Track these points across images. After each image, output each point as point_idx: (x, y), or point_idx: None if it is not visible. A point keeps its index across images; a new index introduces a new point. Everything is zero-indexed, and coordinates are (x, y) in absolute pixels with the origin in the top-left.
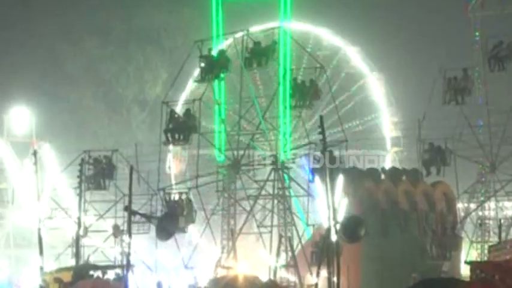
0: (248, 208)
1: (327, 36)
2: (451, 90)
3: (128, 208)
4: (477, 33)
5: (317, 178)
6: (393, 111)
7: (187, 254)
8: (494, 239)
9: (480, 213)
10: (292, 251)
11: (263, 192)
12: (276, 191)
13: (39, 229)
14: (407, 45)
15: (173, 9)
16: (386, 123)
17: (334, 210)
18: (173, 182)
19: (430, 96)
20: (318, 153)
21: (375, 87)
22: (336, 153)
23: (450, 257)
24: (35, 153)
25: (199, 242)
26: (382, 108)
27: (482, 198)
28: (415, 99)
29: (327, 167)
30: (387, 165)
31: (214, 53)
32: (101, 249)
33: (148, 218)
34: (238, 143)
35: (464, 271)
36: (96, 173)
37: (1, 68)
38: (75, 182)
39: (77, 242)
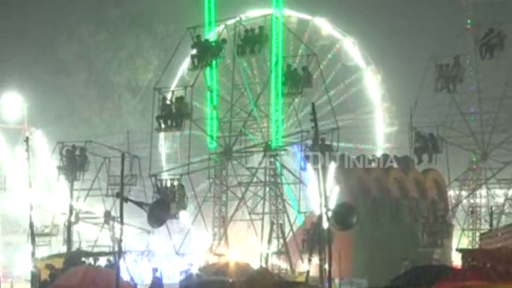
0: (240, 195)
1: (325, 26)
2: (443, 78)
3: (119, 194)
4: (469, 21)
5: (309, 166)
6: (388, 107)
7: (178, 240)
8: (485, 227)
9: (471, 200)
10: (284, 238)
11: (255, 179)
12: (267, 178)
13: (30, 216)
14: (398, 33)
15: None
16: (379, 119)
17: (326, 198)
18: (164, 168)
19: (422, 83)
20: (309, 143)
21: (371, 82)
22: (327, 138)
23: (441, 245)
24: (26, 139)
25: (190, 228)
26: (376, 103)
27: (473, 186)
28: (407, 87)
29: (319, 154)
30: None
31: (210, 37)
32: (93, 236)
33: (140, 204)
34: (230, 130)
35: (456, 259)
36: (68, 164)
37: None
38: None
39: (68, 229)
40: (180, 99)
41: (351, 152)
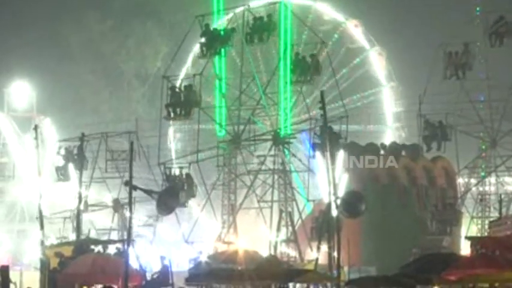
0: (248, 183)
1: (327, 10)
2: (452, 65)
3: (128, 183)
4: (478, 8)
5: (318, 153)
6: (394, 86)
7: (187, 228)
8: (494, 215)
9: (481, 188)
10: (293, 226)
11: (263, 167)
12: (276, 166)
13: (39, 204)
14: (408, 20)
15: None
16: (387, 98)
17: (335, 186)
18: (173, 156)
19: (431, 71)
20: (318, 130)
21: (376, 62)
22: (337, 127)
23: (450, 232)
24: (35, 127)
25: (199, 216)
26: (383, 83)
27: (482, 174)
28: (416, 75)
29: (328, 142)
30: (388, 141)
31: (218, 26)
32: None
33: (148, 192)
34: (239, 118)
35: (465, 246)
36: (65, 164)
37: (2, 43)
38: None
39: (77, 217)
40: (188, 87)
41: (361, 134)
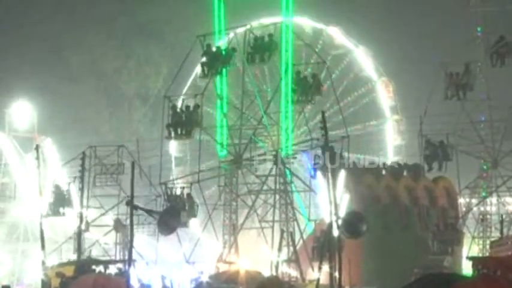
0: (250, 203)
1: (338, 35)
2: (453, 86)
3: (130, 203)
4: (479, 29)
5: (319, 173)
6: (398, 120)
7: (189, 248)
8: (495, 235)
9: (482, 208)
10: (294, 246)
11: (265, 187)
12: (277, 186)
13: (40, 223)
14: (408, 41)
15: (175, 3)
16: (389, 131)
17: (336, 206)
18: (174, 176)
19: (431, 91)
20: (319, 152)
21: (382, 93)
22: (338, 147)
23: (452, 252)
24: (37, 147)
25: (200, 236)
26: (387, 115)
27: (484, 194)
28: (417, 95)
29: (328, 164)
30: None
31: (220, 46)
32: (103, 244)
33: (150, 212)
34: (240, 138)
35: (466, 266)
36: (56, 201)
37: (3, 63)
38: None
39: (78, 237)
40: (189, 107)
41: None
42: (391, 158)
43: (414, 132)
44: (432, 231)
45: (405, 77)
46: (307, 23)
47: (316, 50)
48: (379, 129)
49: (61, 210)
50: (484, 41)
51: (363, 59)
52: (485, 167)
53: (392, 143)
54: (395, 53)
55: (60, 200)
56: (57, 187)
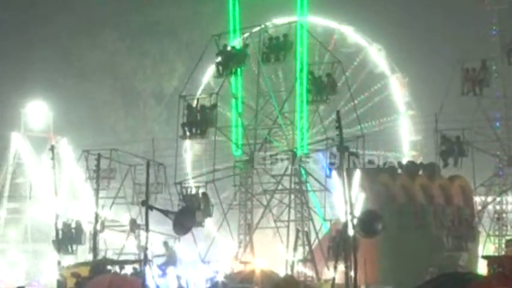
0: (265, 203)
1: (351, 33)
2: (469, 81)
3: (145, 203)
4: (494, 27)
5: (334, 173)
6: (412, 115)
7: (204, 248)
8: (511, 233)
9: (497, 207)
10: (310, 245)
11: (280, 187)
12: (292, 186)
13: (56, 223)
14: (424, 38)
15: (190, 2)
16: (404, 126)
17: (351, 205)
18: (190, 176)
19: (447, 87)
20: (334, 151)
21: (396, 88)
22: (353, 146)
23: (467, 249)
24: (52, 148)
25: (216, 236)
26: (401, 111)
27: (499, 191)
28: (433, 92)
29: (344, 163)
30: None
31: (235, 45)
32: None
33: (165, 212)
34: (255, 138)
35: (482, 265)
36: (64, 238)
37: (19, 63)
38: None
39: (94, 237)
40: (205, 107)
41: (377, 160)
42: (406, 153)
43: (429, 130)
44: (447, 227)
45: (420, 74)
46: (320, 22)
47: (329, 49)
48: (394, 125)
49: (69, 248)
50: (499, 38)
51: (376, 56)
52: (500, 165)
53: (408, 138)
54: (409, 51)
55: (69, 238)
56: (65, 224)
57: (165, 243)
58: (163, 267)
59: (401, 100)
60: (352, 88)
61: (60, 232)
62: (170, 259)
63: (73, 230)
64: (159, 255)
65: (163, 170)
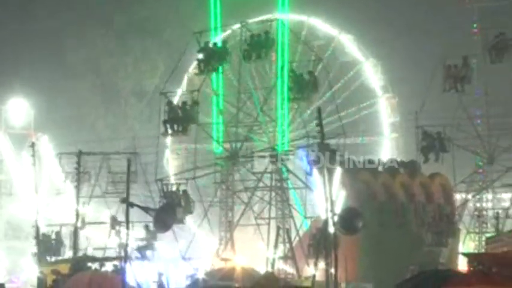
0: (246, 200)
1: (321, 25)
2: (451, 78)
3: (125, 200)
4: (475, 25)
5: (315, 170)
6: (390, 97)
7: (184, 245)
8: (491, 231)
9: (478, 204)
10: (290, 243)
11: (261, 184)
12: (273, 183)
13: (36, 220)
14: (405, 35)
15: (171, 0)
16: (383, 109)
17: (332, 203)
18: (171, 173)
19: (430, 82)
20: (315, 153)
21: (371, 73)
22: (334, 142)
23: (447, 244)
24: (33, 145)
25: (197, 233)
26: (378, 94)
27: (479, 189)
28: (413, 88)
29: (325, 161)
30: (385, 152)
31: (216, 42)
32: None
33: (146, 209)
34: (236, 135)
35: (462, 263)
36: (43, 250)
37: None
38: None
39: (74, 234)
40: (186, 104)
41: (358, 147)
42: (387, 135)
43: (411, 127)
44: (427, 223)
45: (401, 70)
46: (290, 16)
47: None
48: (373, 110)
49: (48, 259)
50: (481, 36)
51: (349, 45)
52: (480, 163)
53: (387, 121)
54: (391, 46)
55: (47, 249)
56: (44, 235)
57: (146, 227)
58: (142, 251)
59: (378, 84)
60: (330, 76)
61: (40, 243)
62: (150, 243)
63: (53, 241)
64: (139, 239)
65: (136, 159)
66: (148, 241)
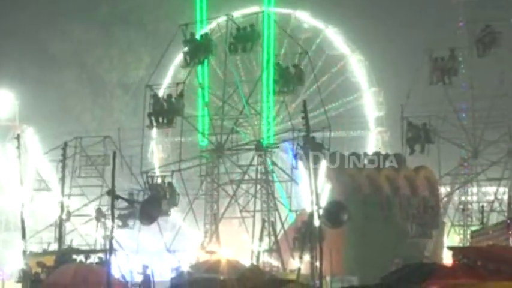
0: (231, 193)
1: (307, 18)
2: (438, 71)
3: (110, 192)
4: (461, 18)
5: (300, 163)
6: (376, 91)
7: (170, 238)
8: (475, 224)
9: (463, 197)
10: (275, 236)
11: (246, 177)
12: (259, 176)
13: (21, 213)
14: (391, 26)
15: None
16: (369, 103)
17: (317, 195)
18: (156, 165)
19: (416, 76)
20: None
21: (356, 67)
22: (319, 135)
23: (431, 236)
24: (18, 137)
25: (182, 226)
26: (364, 88)
27: (464, 182)
28: (399, 80)
29: (310, 153)
30: (371, 146)
31: (202, 35)
32: (84, 233)
33: (131, 202)
34: (221, 128)
35: (447, 256)
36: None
37: None
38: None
39: (59, 226)
40: (171, 96)
41: (344, 141)
42: (372, 129)
43: (396, 118)
44: (412, 214)
45: (386, 62)
46: (276, 10)
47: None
48: (359, 104)
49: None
50: (467, 30)
51: (335, 38)
52: (465, 156)
53: (373, 115)
54: (377, 39)
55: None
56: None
57: (130, 194)
58: (125, 219)
59: (363, 78)
60: (314, 72)
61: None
62: (131, 211)
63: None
64: (122, 208)
65: (109, 143)
66: (130, 210)
